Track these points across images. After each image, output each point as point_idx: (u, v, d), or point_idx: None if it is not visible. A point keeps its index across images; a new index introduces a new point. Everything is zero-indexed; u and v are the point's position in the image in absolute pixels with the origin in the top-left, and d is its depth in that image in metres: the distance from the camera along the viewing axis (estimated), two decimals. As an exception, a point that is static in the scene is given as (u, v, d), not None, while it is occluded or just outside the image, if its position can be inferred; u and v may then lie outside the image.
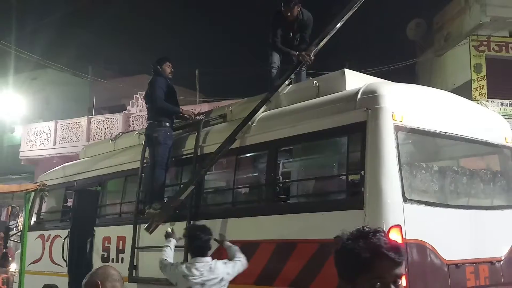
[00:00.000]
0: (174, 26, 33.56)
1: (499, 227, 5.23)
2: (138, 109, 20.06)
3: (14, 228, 13.72)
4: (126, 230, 6.87)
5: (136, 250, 6.64)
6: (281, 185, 5.67)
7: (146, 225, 6.10)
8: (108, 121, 20.40)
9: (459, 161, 5.87)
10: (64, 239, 7.99)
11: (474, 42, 15.69)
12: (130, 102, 20.84)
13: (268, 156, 5.56)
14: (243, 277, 5.26)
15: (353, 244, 1.65)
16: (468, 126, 5.33)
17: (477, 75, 15.51)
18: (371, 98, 4.66)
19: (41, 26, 23.63)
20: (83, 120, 20.77)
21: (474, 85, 15.44)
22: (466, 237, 4.82)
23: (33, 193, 8.69)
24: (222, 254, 5.10)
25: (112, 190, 8.05)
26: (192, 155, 6.33)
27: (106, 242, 7.32)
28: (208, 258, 4.67)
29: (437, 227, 4.62)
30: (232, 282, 5.20)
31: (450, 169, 5.39)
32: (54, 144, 20.96)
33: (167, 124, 6.66)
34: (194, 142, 6.37)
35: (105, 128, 20.26)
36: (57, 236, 8.26)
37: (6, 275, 11.35)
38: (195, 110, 7.46)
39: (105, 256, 7.26)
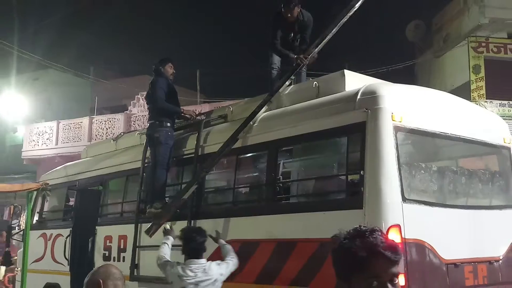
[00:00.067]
0: (175, 26, 33.58)
1: (497, 226, 5.23)
2: (139, 109, 20.08)
3: (17, 227, 13.73)
4: (128, 229, 6.88)
5: (137, 249, 6.64)
6: (281, 184, 5.68)
7: (147, 228, 6.10)
8: (110, 121, 20.41)
9: (458, 161, 5.87)
10: (66, 238, 8.00)
11: (473, 43, 15.69)
12: (131, 102, 20.85)
13: (268, 156, 5.56)
14: (244, 276, 5.28)
15: (350, 243, 1.65)
16: (467, 127, 5.33)
17: (476, 76, 15.51)
18: (370, 99, 4.66)
19: (43, 27, 23.72)
20: (85, 120, 20.79)
21: (472, 86, 15.44)
22: (464, 237, 4.82)
23: (35, 193, 8.69)
24: (220, 255, 5.13)
25: (113, 190, 8.05)
26: (193, 155, 6.34)
27: (108, 241, 7.32)
28: (203, 260, 4.71)
29: (436, 226, 4.62)
30: (233, 281, 5.22)
31: (449, 169, 5.39)
32: (56, 144, 20.98)
33: (168, 124, 6.66)
34: (195, 142, 6.37)
35: (106, 128, 20.27)
36: (59, 235, 8.26)
37: (12, 274, 11.35)
38: (196, 110, 7.45)
39: (107, 255, 7.26)
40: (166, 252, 5.03)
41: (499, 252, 5.13)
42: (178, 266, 4.70)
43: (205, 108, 16.54)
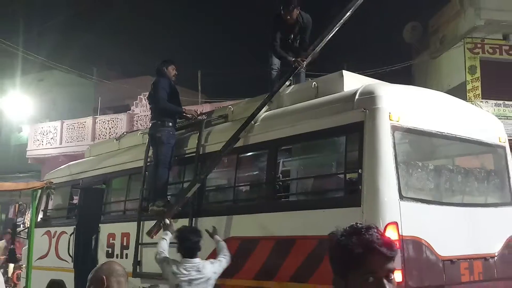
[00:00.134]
0: (176, 28, 33.56)
1: (493, 224, 5.23)
2: (141, 109, 20.06)
3: (22, 225, 13.73)
4: (130, 227, 6.88)
5: (140, 246, 6.64)
6: (281, 183, 5.68)
7: (148, 230, 6.11)
8: (113, 121, 20.41)
9: (454, 160, 5.87)
10: (70, 235, 8.00)
11: (469, 44, 15.68)
12: (134, 102, 20.84)
13: (268, 155, 5.56)
14: (245, 273, 5.29)
15: (346, 240, 1.65)
16: (463, 126, 5.33)
17: (472, 77, 15.50)
18: (368, 99, 4.66)
19: (47, 29, 23.68)
20: (89, 120, 20.79)
21: (468, 87, 15.43)
22: (460, 234, 4.82)
23: (40, 191, 8.69)
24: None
25: (116, 188, 8.06)
26: (194, 154, 6.33)
27: (111, 238, 7.32)
28: (197, 260, 4.77)
29: (433, 224, 4.62)
30: (233, 277, 5.24)
31: (446, 167, 5.40)
32: (60, 143, 20.98)
33: (170, 124, 6.66)
34: (197, 141, 6.37)
35: (109, 128, 20.26)
36: (63, 232, 8.27)
37: (20, 271, 11.37)
38: (197, 110, 7.44)
39: (110, 252, 7.26)
40: (165, 247, 5.08)
41: (495, 249, 5.13)
42: (173, 264, 4.75)
43: (206, 108, 16.52)
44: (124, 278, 2.81)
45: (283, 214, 5.22)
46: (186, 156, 6.60)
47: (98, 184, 8.17)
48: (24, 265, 9.37)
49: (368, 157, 4.47)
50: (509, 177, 5.72)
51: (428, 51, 17.64)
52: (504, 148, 5.80)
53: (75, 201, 8.76)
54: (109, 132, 19.96)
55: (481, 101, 14.67)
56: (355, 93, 4.81)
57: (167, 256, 4.98)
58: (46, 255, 8.54)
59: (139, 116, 20.01)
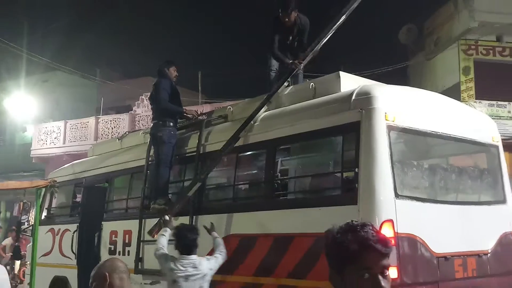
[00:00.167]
0: (177, 29, 33.56)
1: (486, 221, 5.24)
2: (143, 109, 20.04)
3: (26, 223, 13.73)
4: (132, 225, 6.88)
5: (141, 243, 6.64)
6: (279, 181, 5.69)
7: (149, 229, 6.11)
8: (115, 121, 20.39)
9: (448, 159, 5.88)
10: (73, 233, 8.00)
11: (463, 46, 15.68)
12: (135, 103, 20.82)
13: (267, 154, 5.56)
14: (244, 269, 5.29)
15: (342, 237, 1.65)
16: (457, 126, 5.33)
17: (466, 78, 15.51)
18: (365, 99, 4.66)
19: (51, 31, 23.64)
20: (91, 120, 20.76)
21: (462, 87, 15.44)
22: (454, 231, 4.83)
23: (43, 190, 8.68)
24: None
25: (119, 187, 8.05)
26: (195, 153, 6.34)
27: (113, 235, 7.32)
28: (194, 256, 4.80)
29: (427, 221, 4.63)
30: (233, 274, 5.24)
31: (440, 166, 5.41)
32: (64, 143, 20.95)
33: (171, 124, 6.67)
34: (197, 141, 6.37)
35: (112, 128, 20.24)
36: (66, 230, 8.27)
37: (25, 268, 11.37)
38: (197, 110, 7.45)
39: (112, 249, 7.26)
40: (164, 243, 5.11)
41: (488, 246, 5.14)
42: (171, 260, 4.79)
43: (206, 108, 16.50)
44: (126, 275, 2.82)
45: (282, 212, 5.23)
46: (186, 155, 6.60)
47: (101, 183, 8.17)
48: (28, 262, 9.37)
49: (364, 156, 4.48)
50: (502, 176, 5.72)
51: (423, 53, 17.64)
52: (497, 147, 5.81)
53: (78, 199, 8.76)
54: (112, 132, 19.94)
55: (474, 102, 14.67)
56: (351, 94, 4.82)
57: (166, 252, 5.01)
58: (50, 252, 8.54)
59: (140, 116, 19.98)
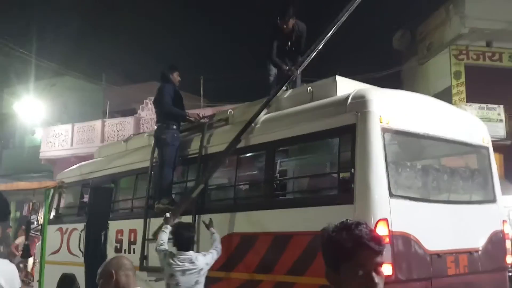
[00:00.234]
0: (180, 36, 33.58)
1: (477, 220, 5.24)
2: (147, 113, 20.03)
3: (35, 222, 13.71)
4: (137, 224, 6.88)
5: (146, 241, 6.64)
6: (278, 182, 5.69)
7: (153, 231, 6.13)
8: (121, 124, 20.38)
9: (441, 160, 5.88)
10: (81, 232, 7.99)
11: (454, 51, 15.71)
12: (140, 106, 20.82)
13: (266, 156, 5.56)
14: (245, 266, 5.29)
15: (337, 236, 1.65)
16: (449, 128, 5.33)
17: (457, 82, 15.53)
18: (360, 103, 4.66)
19: (59, 38, 23.66)
20: (98, 123, 20.76)
21: (454, 91, 15.46)
22: (447, 229, 4.83)
23: (52, 190, 8.69)
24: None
25: (124, 187, 8.05)
26: (197, 155, 6.34)
27: (119, 234, 7.32)
28: (190, 252, 4.87)
29: (421, 220, 4.62)
30: (234, 271, 5.23)
31: (432, 167, 5.40)
32: (71, 145, 20.94)
33: (174, 126, 6.67)
34: (199, 143, 6.37)
35: (117, 130, 20.23)
36: (74, 229, 8.26)
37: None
38: (199, 114, 7.44)
39: (118, 247, 7.26)
40: (164, 239, 5.19)
41: (479, 243, 5.14)
42: (169, 256, 4.86)
43: (208, 111, 16.41)
44: (132, 272, 2.82)
45: (281, 211, 5.22)
46: (189, 156, 6.60)
47: (107, 184, 8.17)
48: (37, 260, 9.37)
49: (360, 158, 4.48)
50: (492, 176, 5.72)
51: (416, 58, 17.66)
52: (487, 148, 5.81)
53: (85, 200, 8.75)
54: (117, 135, 19.93)
55: (465, 105, 14.67)
56: (347, 97, 4.82)
57: (166, 248, 5.09)
58: (58, 251, 8.53)
59: (145, 119, 19.98)
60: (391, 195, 4.40)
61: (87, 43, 27.03)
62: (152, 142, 7.03)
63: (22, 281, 12.14)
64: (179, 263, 4.75)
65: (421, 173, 5.10)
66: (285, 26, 6.49)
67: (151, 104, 18.46)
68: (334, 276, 1.66)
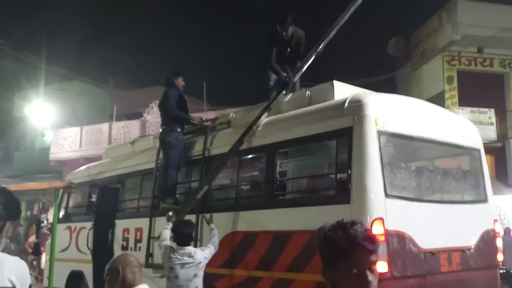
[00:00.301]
0: (185, 43, 33.62)
1: (469, 219, 5.23)
2: (153, 116, 20.03)
3: (45, 221, 13.72)
4: (143, 223, 6.88)
5: (151, 239, 6.64)
6: (278, 182, 5.68)
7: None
8: (127, 126, 20.38)
9: (434, 162, 5.87)
10: (89, 230, 7.98)
11: (447, 57, 15.71)
12: (146, 110, 20.82)
13: (267, 157, 5.56)
14: (246, 264, 5.28)
15: (333, 235, 1.64)
16: (442, 131, 5.33)
17: (450, 86, 15.53)
18: (357, 107, 4.66)
19: (68, 44, 23.70)
20: (105, 126, 20.76)
21: (447, 95, 15.46)
22: (440, 228, 4.82)
23: (61, 190, 8.69)
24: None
25: (130, 187, 8.05)
26: (200, 156, 6.34)
27: (126, 233, 7.32)
28: (189, 247, 4.94)
29: (415, 219, 4.62)
30: (236, 268, 5.23)
31: (426, 168, 5.40)
32: (80, 147, 20.95)
33: (179, 129, 6.68)
34: (202, 145, 6.37)
35: (124, 133, 20.23)
36: (82, 227, 8.26)
37: None
38: (203, 117, 7.45)
39: (125, 245, 7.26)
40: (166, 236, 5.26)
41: (471, 241, 5.13)
42: (170, 250, 4.94)
43: (211, 115, 16.47)
44: (138, 269, 2.82)
45: (281, 211, 5.22)
46: (193, 158, 6.60)
47: (114, 184, 8.17)
48: (46, 257, 9.37)
49: (356, 159, 4.48)
50: (483, 177, 5.72)
51: (411, 63, 17.67)
52: (479, 150, 5.81)
53: (93, 199, 8.75)
54: (124, 137, 19.92)
55: (458, 108, 14.67)
56: (344, 101, 4.82)
57: (168, 243, 5.15)
58: (67, 248, 8.53)
59: (150, 123, 19.98)
60: (387, 195, 4.39)
61: (95, 49, 27.10)
62: (157, 144, 7.03)
63: (36, 278, 12.13)
64: (179, 257, 4.82)
65: (415, 174, 5.10)
66: (284, 33, 6.50)
67: (156, 107, 18.49)
68: (330, 273, 1.65)
